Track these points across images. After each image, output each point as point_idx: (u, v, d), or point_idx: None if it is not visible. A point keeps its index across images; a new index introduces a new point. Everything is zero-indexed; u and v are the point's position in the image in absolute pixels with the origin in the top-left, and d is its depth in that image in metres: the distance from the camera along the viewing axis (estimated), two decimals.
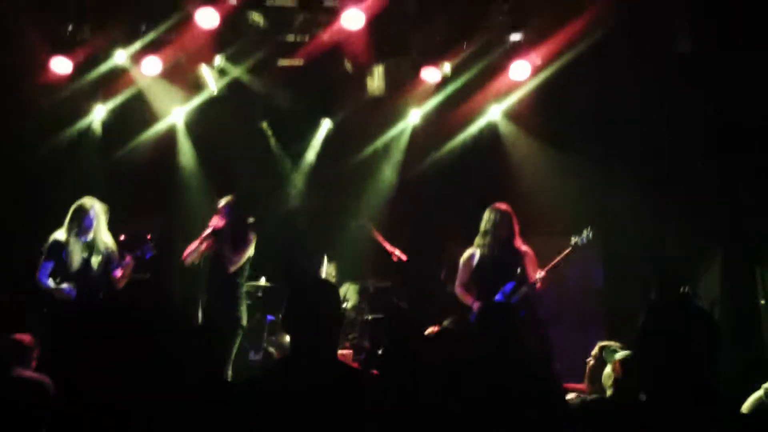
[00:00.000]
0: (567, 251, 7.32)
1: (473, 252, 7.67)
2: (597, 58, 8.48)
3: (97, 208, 7.72)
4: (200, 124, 10.30)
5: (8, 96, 9.16)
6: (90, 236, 7.67)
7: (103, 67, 9.14)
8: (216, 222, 7.94)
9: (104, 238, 7.77)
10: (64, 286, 7.47)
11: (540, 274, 7.32)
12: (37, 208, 9.14)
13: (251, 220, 8.10)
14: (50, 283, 7.50)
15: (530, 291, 7.36)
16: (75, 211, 7.68)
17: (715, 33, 7.49)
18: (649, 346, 2.85)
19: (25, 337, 5.76)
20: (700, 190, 8.56)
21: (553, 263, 7.31)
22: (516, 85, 9.39)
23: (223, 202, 8.10)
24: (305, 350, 3.54)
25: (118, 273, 7.69)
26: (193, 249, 7.92)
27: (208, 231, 7.90)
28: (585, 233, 7.31)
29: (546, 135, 9.76)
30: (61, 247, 7.62)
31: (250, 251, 7.99)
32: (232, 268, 7.85)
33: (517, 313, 6.81)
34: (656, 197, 8.83)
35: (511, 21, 8.70)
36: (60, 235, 7.67)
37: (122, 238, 8.07)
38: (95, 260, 7.64)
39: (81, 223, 7.63)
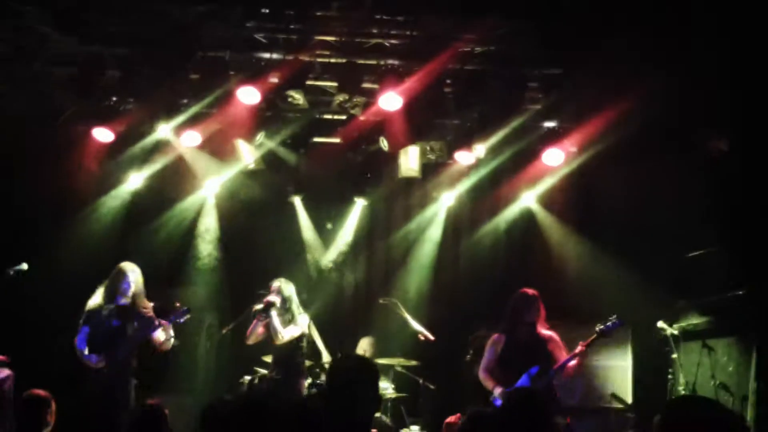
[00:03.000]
0: (591, 338, 7.23)
1: (499, 336, 7.62)
2: (630, 149, 8.55)
3: (135, 273, 7.79)
4: (231, 196, 10.44)
5: (49, 161, 9.37)
6: (127, 300, 7.72)
7: (145, 139, 9.34)
8: (270, 298, 8.23)
9: (141, 303, 7.81)
10: (93, 356, 7.48)
11: (567, 361, 7.23)
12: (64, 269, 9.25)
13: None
14: (86, 349, 7.52)
15: (555, 377, 7.27)
16: (114, 274, 7.76)
17: (750, 134, 7.52)
18: None
19: (41, 393, 5.74)
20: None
21: (575, 351, 7.21)
22: (549, 171, 9.48)
23: (278, 283, 8.39)
24: (345, 428, 3.50)
25: (161, 337, 7.69)
26: (253, 328, 8.27)
27: (259, 306, 8.16)
28: (610, 321, 7.24)
29: (578, 223, 9.81)
30: (96, 312, 7.67)
31: (303, 328, 8.28)
32: (277, 342, 8.14)
33: (542, 399, 6.81)
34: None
35: (545, 108, 8.85)
36: (96, 299, 7.73)
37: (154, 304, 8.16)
38: (130, 325, 7.66)
39: (119, 286, 7.69)
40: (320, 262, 10.60)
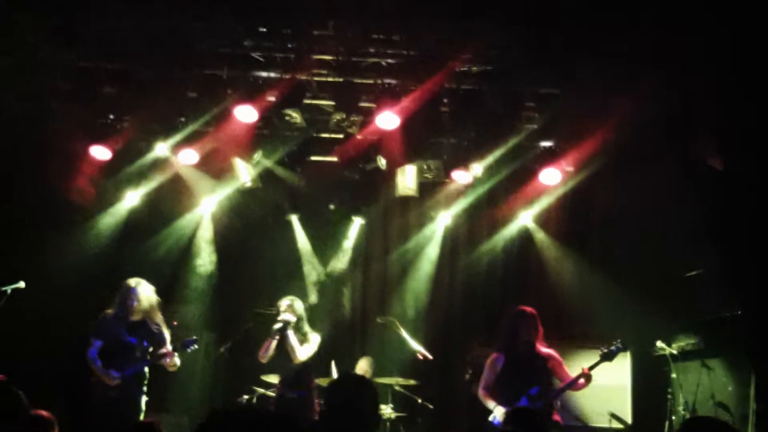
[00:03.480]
0: (594, 363, 7.18)
1: (498, 355, 7.58)
2: (626, 168, 8.56)
3: (141, 289, 7.75)
4: (228, 214, 10.44)
5: (45, 179, 9.38)
6: (137, 317, 7.68)
7: (143, 157, 9.36)
8: (286, 316, 8.12)
9: (154, 319, 7.76)
10: (112, 371, 7.44)
11: (569, 385, 7.18)
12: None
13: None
14: (98, 361, 7.48)
15: (556, 396, 7.24)
16: (122, 290, 7.73)
17: (744, 148, 7.51)
18: None
19: (45, 414, 5.70)
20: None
21: (578, 375, 7.15)
22: (546, 191, 9.49)
23: (292, 301, 8.30)
24: None
25: (167, 362, 7.67)
26: (267, 347, 8.13)
27: (278, 326, 8.06)
28: (614, 345, 7.20)
29: (575, 242, 9.82)
30: (106, 326, 7.61)
31: (315, 347, 8.22)
32: (296, 361, 8.04)
33: (541, 419, 6.77)
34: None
35: (541, 127, 8.86)
36: (107, 313, 7.68)
37: (175, 323, 8.28)
38: (140, 344, 7.64)
39: (124, 302, 7.66)
40: (317, 280, 10.56)
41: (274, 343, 8.11)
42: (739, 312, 7.96)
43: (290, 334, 8.05)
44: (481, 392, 7.46)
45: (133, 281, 7.75)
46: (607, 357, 7.16)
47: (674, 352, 8.59)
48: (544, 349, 7.36)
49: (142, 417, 7.39)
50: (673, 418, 8.29)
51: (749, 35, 6.89)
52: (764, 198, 7.34)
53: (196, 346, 7.80)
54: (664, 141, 8.25)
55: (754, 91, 6.93)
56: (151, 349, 7.69)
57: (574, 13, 7.49)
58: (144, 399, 7.57)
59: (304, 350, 8.09)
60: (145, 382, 7.66)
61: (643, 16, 7.22)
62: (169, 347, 7.67)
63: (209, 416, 2.22)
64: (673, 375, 8.51)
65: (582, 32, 7.53)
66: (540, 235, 10.11)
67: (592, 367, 7.05)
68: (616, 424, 8.58)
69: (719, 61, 7.02)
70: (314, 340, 8.23)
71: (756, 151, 7.27)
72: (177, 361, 7.70)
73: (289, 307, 8.21)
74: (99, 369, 7.43)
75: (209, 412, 2.23)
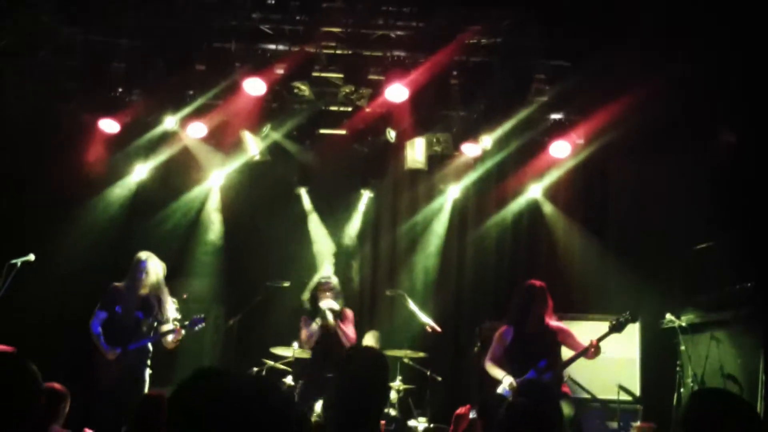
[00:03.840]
0: (603, 334, 7.20)
1: (508, 328, 7.59)
2: (637, 142, 8.52)
3: (151, 263, 7.79)
4: (237, 187, 10.43)
5: (55, 153, 9.39)
6: (144, 291, 7.72)
7: (151, 131, 9.34)
8: (331, 304, 8.17)
9: (161, 296, 7.83)
10: (107, 345, 7.49)
11: (577, 357, 7.20)
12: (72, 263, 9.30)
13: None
14: (99, 332, 7.55)
15: (564, 367, 7.26)
16: (131, 263, 7.80)
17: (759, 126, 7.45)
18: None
19: (58, 387, 5.76)
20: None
21: (586, 346, 7.17)
22: (556, 163, 9.47)
23: (329, 279, 8.41)
24: (356, 422, 3.50)
25: (170, 340, 7.73)
26: (312, 335, 8.20)
27: (325, 316, 8.09)
28: (623, 317, 7.21)
29: (585, 215, 9.80)
30: (113, 299, 7.69)
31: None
32: (348, 345, 8.06)
33: (551, 391, 6.79)
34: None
35: (552, 100, 8.81)
36: (116, 286, 7.77)
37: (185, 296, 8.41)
38: (146, 320, 7.70)
39: (134, 275, 7.72)
40: (327, 254, 10.57)
41: (319, 333, 8.15)
42: (749, 285, 7.95)
43: (339, 323, 8.09)
44: (487, 363, 7.50)
45: (144, 254, 7.80)
46: (616, 328, 7.18)
47: (683, 324, 8.60)
48: (554, 323, 7.39)
49: (146, 391, 7.43)
50: (682, 390, 8.31)
51: None
52: None
53: (203, 325, 7.87)
54: (677, 116, 8.20)
55: None
56: (156, 325, 7.75)
57: None
58: (148, 373, 7.62)
59: (352, 332, 8.15)
60: (149, 356, 7.72)
61: None
62: (176, 324, 7.71)
63: (191, 376, 2.20)
64: (682, 347, 8.52)
65: (594, 5, 7.46)
66: (549, 209, 10.09)
67: (600, 339, 7.09)
68: (624, 396, 8.61)
69: (733, 41, 6.96)
70: (350, 316, 8.29)
71: None
72: (182, 333, 7.76)
73: (330, 290, 8.23)
74: (99, 341, 7.51)
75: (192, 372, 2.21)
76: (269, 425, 2.02)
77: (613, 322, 7.20)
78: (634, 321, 7.27)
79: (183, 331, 7.70)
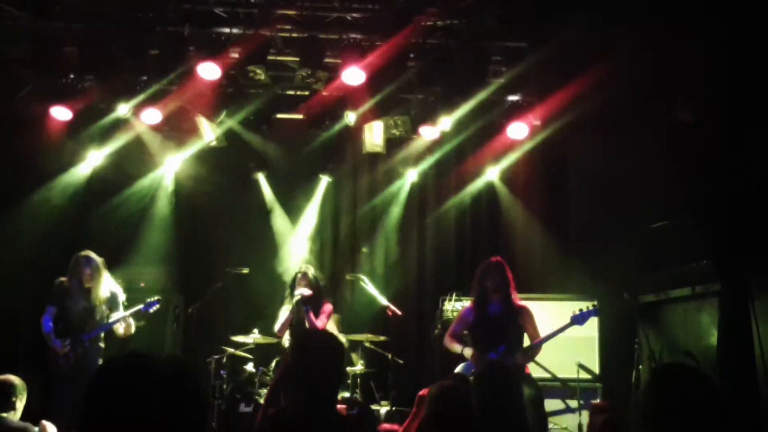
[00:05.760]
0: (563, 326, 7.19)
1: (470, 308, 7.55)
2: (594, 122, 8.56)
3: (94, 261, 7.75)
4: (193, 173, 10.32)
5: (6, 142, 9.22)
6: (91, 285, 7.67)
7: (105, 117, 9.19)
8: (303, 290, 8.10)
9: (107, 288, 7.80)
10: (58, 341, 7.44)
11: (535, 346, 7.18)
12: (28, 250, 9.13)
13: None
14: (49, 328, 7.50)
15: (525, 357, 7.23)
16: (73, 262, 7.74)
17: (718, 103, 7.50)
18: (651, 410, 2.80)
19: (14, 378, 5.70)
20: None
21: (547, 335, 7.16)
22: (514, 145, 9.50)
23: (306, 270, 8.34)
24: (311, 403, 3.50)
25: (120, 329, 7.70)
26: (287, 322, 8.16)
27: (297, 299, 8.06)
28: (586, 307, 7.22)
29: (543, 197, 9.86)
30: (62, 293, 7.66)
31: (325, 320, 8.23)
32: None
33: (514, 374, 6.80)
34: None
35: (509, 82, 8.83)
36: (62, 281, 7.72)
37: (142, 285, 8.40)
38: (97, 311, 7.66)
39: (77, 269, 7.66)
40: (286, 239, 10.51)
41: (289, 318, 8.13)
42: (705, 262, 8.05)
43: (307, 310, 8.04)
44: (446, 339, 7.46)
45: (83, 252, 7.76)
46: (578, 320, 7.19)
47: (641, 302, 8.71)
48: (519, 303, 7.32)
49: None
50: (641, 367, 8.42)
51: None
52: (734, 152, 7.38)
53: (158, 306, 7.88)
54: (632, 94, 8.24)
55: (729, 42, 6.91)
56: (108, 314, 7.73)
57: None
58: (100, 362, 7.54)
59: (322, 324, 8.08)
60: (102, 345, 7.68)
61: None
62: (123, 313, 7.68)
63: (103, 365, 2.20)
64: (640, 326, 8.63)
65: None
66: (505, 191, 10.15)
67: (560, 330, 7.09)
68: (584, 375, 8.70)
69: (692, 16, 6.99)
70: (327, 310, 8.27)
71: (729, 105, 7.29)
72: (132, 328, 7.74)
73: (304, 280, 8.21)
74: (50, 338, 7.49)
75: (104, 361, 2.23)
76: (179, 408, 2.02)
77: (576, 313, 7.19)
78: (596, 314, 7.28)
79: (132, 320, 7.68)
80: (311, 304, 8.13)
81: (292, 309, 8.14)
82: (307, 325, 8.02)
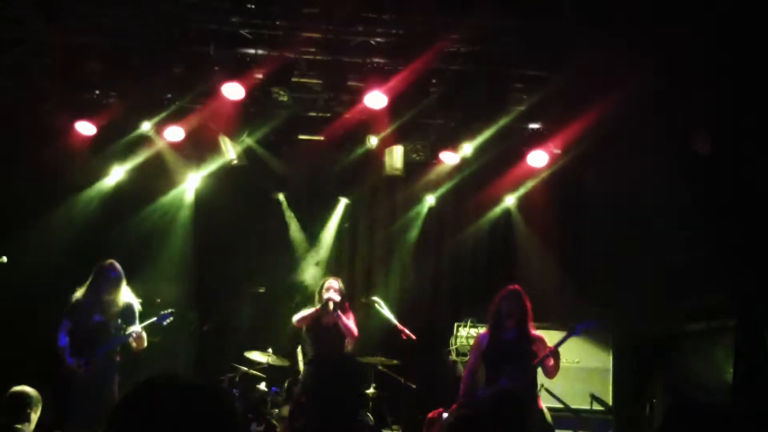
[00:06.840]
0: (561, 339, 7.15)
1: (484, 335, 7.53)
2: (613, 151, 8.57)
3: (116, 271, 7.75)
4: (214, 191, 10.38)
5: (31, 155, 9.31)
6: (109, 297, 7.67)
7: (128, 134, 9.28)
8: (333, 295, 8.19)
9: (123, 300, 7.75)
10: (72, 359, 7.43)
11: (539, 363, 7.14)
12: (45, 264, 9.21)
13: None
14: (67, 348, 7.47)
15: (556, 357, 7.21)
16: (96, 270, 7.71)
17: (733, 134, 7.49)
18: None
19: (30, 390, 5.72)
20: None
21: (545, 352, 7.12)
22: (532, 173, 9.51)
23: (336, 279, 8.44)
24: (329, 420, 3.49)
25: (134, 343, 7.66)
26: (309, 316, 8.24)
27: (326, 303, 8.14)
28: (585, 321, 7.20)
29: (561, 225, 9.85)
30: (78, 307, 7.63)
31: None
32: (353, 341, 8.27)
33: (520, 400, 6.76)
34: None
35: (529, 109, 8.85)
36: (78, 294, 7.69)
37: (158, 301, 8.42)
38: (112, 324, 7.63)
39: (100, 283, 7.65)
40: (304, 260, 10.54)
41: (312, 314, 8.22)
42: (721, 297, 8.01)
43: (337, 312, 8.13)
44: (464, 373, 7.46)
45: (108, 262, 7.75)
46: (575, 333, 7.15)
47: (656, 335, 8.65)
48: (535, 332, 7.30)
49: (116, 393, 7.35)
50: (654, 400, 8.36)
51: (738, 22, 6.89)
52: (749, 183, 7.35)
53: (171, 319, 7.82)
54: (653, 127, 8.25)
55: (744, 77, 6.92)
56: (123, 327, 7.71)
57: None
58: (116, 377, 7.54)
59: (353, 324, 8.25)
60: (117, 359, 7.65)
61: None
62: (138, 327, 7.65)
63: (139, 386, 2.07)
64: (654, 359, 8.57)
65: (572, 15, 7.50)
66: (522, 219, 10.15)
67: (559, 344, 7.05)
68: (597, 406, 8.63)
69: (710, 49, 7.01)
70: (352, 315, 8.40)
71: (744, 137, 7.27)
72: (144, 341, 7.65)
73: (334, 286, 8.30)
74: (65, 354, 7.43)
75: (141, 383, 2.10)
76: None
77: (573, 325, 7.17)
78: (595, 325, 7.24)
79: (144, 334, 7.63)
80: (342, 309, 8.20)
81: (319, 307, 8.18)
82: (346, 327, 8.10)
